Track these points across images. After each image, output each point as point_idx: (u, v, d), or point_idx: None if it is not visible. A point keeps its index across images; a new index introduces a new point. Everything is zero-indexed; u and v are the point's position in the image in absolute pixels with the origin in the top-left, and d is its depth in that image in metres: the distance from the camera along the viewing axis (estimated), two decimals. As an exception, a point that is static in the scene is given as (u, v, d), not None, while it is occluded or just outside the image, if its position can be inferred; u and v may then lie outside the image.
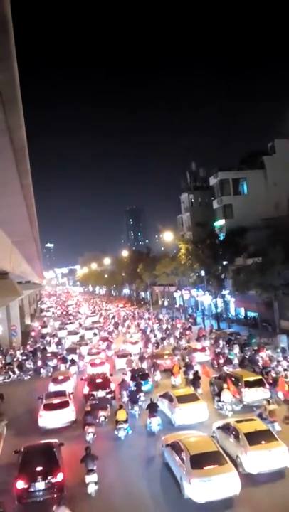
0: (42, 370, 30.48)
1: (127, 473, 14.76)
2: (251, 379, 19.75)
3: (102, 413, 19.22)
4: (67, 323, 56.46)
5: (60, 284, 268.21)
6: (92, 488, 13.15)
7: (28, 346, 42.13)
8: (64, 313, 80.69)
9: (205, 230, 46.38)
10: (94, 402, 20.40)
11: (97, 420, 18.78)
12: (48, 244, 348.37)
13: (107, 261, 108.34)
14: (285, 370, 22.23)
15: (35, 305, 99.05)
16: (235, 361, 25.77)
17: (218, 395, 19.44)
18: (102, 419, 19.08)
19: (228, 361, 25.27)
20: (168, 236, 54.27)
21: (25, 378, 30.14)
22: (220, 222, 49.13)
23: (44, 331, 55.01)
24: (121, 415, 17.57)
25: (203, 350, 29.16)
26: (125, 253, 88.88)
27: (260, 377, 20.38)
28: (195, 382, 21.63)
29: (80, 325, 55.85)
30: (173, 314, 56.41)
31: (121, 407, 18.25)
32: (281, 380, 19.69)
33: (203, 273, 44.91)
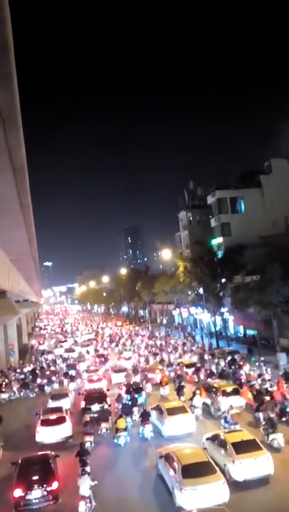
0: (46, 387, 30.29)
1: (122, 481, 15.29)
2: (228, 389, 21.60)
3: (103, 425, 20.00)
4: (61, 341, 57.87)
5: (58, 303, 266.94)
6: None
7: (31, 364, 41.68)
8: (62, 330, 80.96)
9: (203, 247, 46.46)
10: (92, 415, 20.98)
11: (99, 432, 19.65)
12: (47, 263, 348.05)
13: (105, 279, 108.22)
14: (269, 380, 23.72)
15: (32, 324, 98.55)
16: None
17: (191, 399, 21.75)
18: (104, 430, 19.86)
19: (211, 374, 27.38)
20: (166, 254, 54.36)
21: (31, 396, 29.93)
22: (218, 240, 49.28)
23: (41, 347, 56.13)
24: (121, 424, 18.67)
25: (193, 365, 30.49)
26: (124, 271, 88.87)
27: (236, 386, 22.18)
28: (179, 390, 23.79)
29: (76, 342, 56.94)
30: (171, 332, 56.15)
31: (121, 416, 19.37)
32: (244, 388, 21.51)
33: (201, 291, 44.81)
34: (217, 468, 13.16)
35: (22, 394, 29.92)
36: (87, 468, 14.50)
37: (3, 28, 8.75)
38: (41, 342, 61.82)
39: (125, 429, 18.57)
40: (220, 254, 45.77)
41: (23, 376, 34.36)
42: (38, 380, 32.20)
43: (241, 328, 44.97)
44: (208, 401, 21.86)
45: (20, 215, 21.44)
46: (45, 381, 31.55)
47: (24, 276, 48.78)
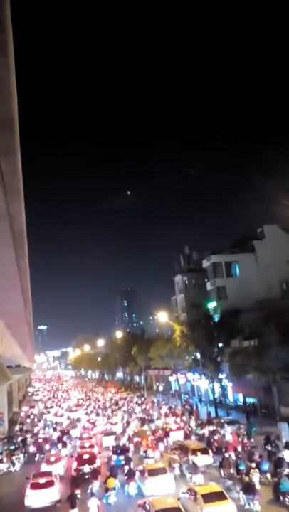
0: (64, 450, 30.51)
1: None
2: (197, 448, 24.48)
3: (95, 482, 21.11)
4: (49, 407, 59.59)
5: (51, 368, 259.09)
6: None
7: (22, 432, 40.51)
8: (54, 397, 79.94)
9: (199, 311, 46.20)
10: (83, 474, 22.94)
11: (90, 488, 20.58)
12: (41, 326, 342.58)
13: (100, 343, 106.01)
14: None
15: (24, 390, 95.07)
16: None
17: (145, 452, 26.71)
18: (96, 487, 20.80)
19: (187, 435, 30.47)
20: (162, 317, 53.89)
21: (42, 460, 28.86)
22: (214, 304, 49.21)
23: (34, 412, 57.54)
24: (110, 483, 20.18)
25: (178, 429, 32.65)
26: (119, 335, 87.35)
27: (204, 446, 25.25)
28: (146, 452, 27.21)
29: (64, 407, 58.85)
30: (168, 399, 54.16)
31: (110, 475, 20.90)
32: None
33: (198, 356, 43.89)
34: None
35: (37, 458, 29.75)
36: (75, 511, 17.52)
37: (8, 105, 9.48)
38: (32, 407, 62.32)
39: (114, 489, 20.10)
40: (216, 317, 45.45)
41: (12, 447, 32.65)
42: (32, 448, 32.02)
43: (241, 396, 43.42)
44: (157, 453, 26.48)
45: (17, 278, 21.60)
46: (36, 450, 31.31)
47: (17, 341, 47.87)
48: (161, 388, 66.60)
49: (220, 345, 41.49)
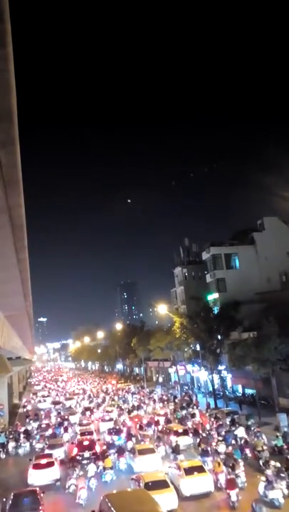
0: (65, 435, 32.54)
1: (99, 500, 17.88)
2: (179, 430, 27.84)
3: (100, 463, 22.53)
4: (45, 396, 61.96)
5: (51, 360, 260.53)
6: (72, 488, 19.90)
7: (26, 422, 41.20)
8: (56, 386, 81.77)
9: (199, 303, 46.29)
10: (83, 459, 24.33)
11: (98, 470, 22.03)
12: (41, 319, 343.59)
13: (100, 335, 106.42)
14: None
15: (24, 382, 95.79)
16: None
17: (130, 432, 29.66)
18: (101, 468, 22.22)
19: (168, 421, 33.18)
20: (162, 309, 54.10)
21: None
22: (213, 296, 49.32)
23: (36, 398, 61.03)
24: (108, 463, 22.13)
25: (164, 415, 35.47)
26: (119, 327, 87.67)
27: (185, 428, 28.45)
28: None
29: (57, 396, 62.31)
30: (166, 390, 54.55)
31: (108, 456, 22.91)
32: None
33: (198, 347, 44.12)
34: (171, 485, 17.84)
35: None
36: (73, 481, 19.83)
37: (7, 96, 9.42)
38: (35, 394, 66.05)
39: (111, 468, 21.88)
40: (216, 309, 45.56)
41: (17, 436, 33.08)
42: (37, 436, 32.93)
43: (240, 388, 43.71)
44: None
45: (16, 269, 21.62)
46: (47, 432, 33.42)
47: (18, 333, 48.04)
48: (160, 380, 67.05)
49: (219, 337, 41.63)
